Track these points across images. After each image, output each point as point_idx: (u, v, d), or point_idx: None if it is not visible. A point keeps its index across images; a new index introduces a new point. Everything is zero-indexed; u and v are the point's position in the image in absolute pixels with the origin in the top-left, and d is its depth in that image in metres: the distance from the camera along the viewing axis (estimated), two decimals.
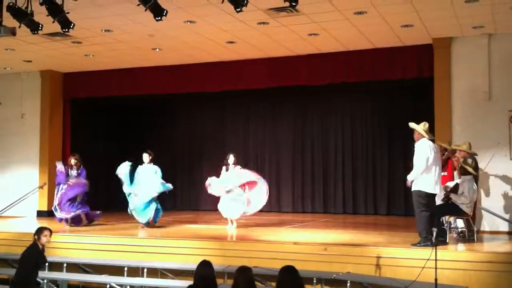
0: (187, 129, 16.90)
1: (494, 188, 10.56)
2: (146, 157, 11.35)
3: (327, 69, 12.44)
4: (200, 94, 14.29)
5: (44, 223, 12.69)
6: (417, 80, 12.20)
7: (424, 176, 8.10)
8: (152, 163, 11.39)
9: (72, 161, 11.86)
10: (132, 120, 16.96)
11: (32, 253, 7.36)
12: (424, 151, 8.12)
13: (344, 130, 15.16)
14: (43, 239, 7.43)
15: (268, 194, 11.26)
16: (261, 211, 15.50)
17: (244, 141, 16.23)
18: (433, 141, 8.48)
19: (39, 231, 7.48)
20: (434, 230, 6.67)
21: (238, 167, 11.14)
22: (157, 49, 12.24)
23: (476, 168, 9.07)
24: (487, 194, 10.58)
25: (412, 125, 8.36)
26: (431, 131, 8.55)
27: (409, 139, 8.61)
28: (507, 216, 10.36)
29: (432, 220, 8.10)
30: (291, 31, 10.76)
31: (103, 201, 14.85)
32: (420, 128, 8.27)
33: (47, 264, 8.39)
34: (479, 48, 10.87)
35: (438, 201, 8.96)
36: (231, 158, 11.10)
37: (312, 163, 15.42)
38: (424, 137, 8.24)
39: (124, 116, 16.78)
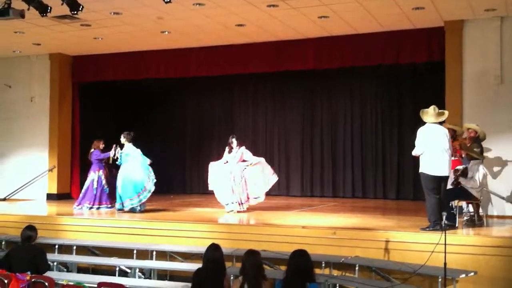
0: (196, 113, 16.90)
1: (505, 172, 10.48)
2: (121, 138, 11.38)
3: (337, 52, 12.34)
4: (209, 77, 14.23)
5: (54, 206, 12.85)
6: (427, 64, 12.08)
7: (426, 158, 8.12)
8: (129, 143, 11.34)
9: (101, 145, 11.91)
10: (141, 104, 16.93)
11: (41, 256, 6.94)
12: (420, 134, 8.18)
13: (353, 114, 15.09)
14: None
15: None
16: (269, 194, 15.64)
17: (253, 125, 16.23)
18: (442, 123, 8.41)
19: (35, 228, 7.08)
20: (444, 214, 6.64)
21: (243, 147, 11.05)
22: (166, 32, 12.18)
23: (481, 152, 9.00)
24: (497, 178, 10.49)
25: (421, 113, 8.38)
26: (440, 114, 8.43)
27: (419, 123, 8.54)
28: None
29: (441, 204, 8.07)
30: (301, 13, 10.66)
31: (113, 184, 14.88)
32: (423, 112, 8.30)
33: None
34: (491, 31, 10.73)
35: (449, 185, 8.94)
36: (234, 142, 10.99)
37: (321, 147, 15.39)
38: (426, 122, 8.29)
39: (133, 100, 16.74)
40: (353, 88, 15.12)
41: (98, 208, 11.60)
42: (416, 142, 8.21)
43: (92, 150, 11.89)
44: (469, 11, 10.40)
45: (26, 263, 6.74)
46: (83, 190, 11.85)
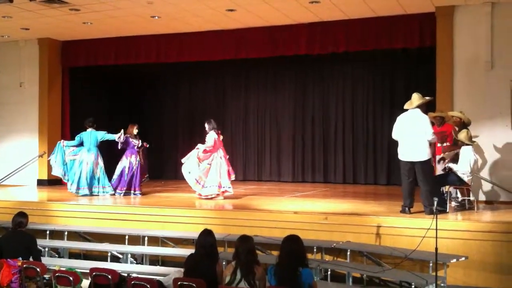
0: (188, 98, 16.86)
1: (495, 158, 10.54)
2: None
3: (329, 38, 12.28)
4: (200, 63, 14.16)
5: (44, 192, 12.79)
6: (419, 49, 12.08)
7: (399, 144, 8.57)
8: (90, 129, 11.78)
9: (135, 130, 11.72)
10: (133, 89, 16.84)
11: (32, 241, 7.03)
12: (396, 122, 8.68)
13: (345, 99, 15.09)
14: None
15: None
16: (260, 180, 15.68)
17: (245, 110, 16.21)
18: (422, 109, 8.53)
19: (26, 215, 7.14)
20: (435, 199, 6.68)
21: (209, 133, 10.76)
22: (156, 17, 12.08)
23: (470, 137, 9.06)
24: (488, 164, 10.56)
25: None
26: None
27: None
28: (506, 186, 10.36)
29: (412, 189, 8.45)
30: None
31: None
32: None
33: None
34: (482, 17, 10.72)
35: (440, 171, 9.01)
36: (206, 126, 10.90)
37: (312, 133, 15.40)
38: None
39: (124, 85, 16.64)
40: (345, 74, 15.10)
41: (128, 194, 11.43)
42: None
43: (127, 135, 11.64)
44: None
45: (17, 249, 6.74)
46: (115, 176, 11.60)
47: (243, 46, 13.00)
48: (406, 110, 8.61)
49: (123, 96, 16.64)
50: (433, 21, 11.13)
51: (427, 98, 8.56)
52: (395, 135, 8.63)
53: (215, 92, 16.53)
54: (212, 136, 10.69)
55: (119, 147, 11.59)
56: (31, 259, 6.74)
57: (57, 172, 11.78)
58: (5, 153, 14.73)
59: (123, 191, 11.45)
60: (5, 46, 14.75)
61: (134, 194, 11.48)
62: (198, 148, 10.78)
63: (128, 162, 11.55)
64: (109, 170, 11.84)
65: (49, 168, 14.06)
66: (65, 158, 11.66)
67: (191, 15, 11.82)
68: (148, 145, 11.88)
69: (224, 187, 10.65)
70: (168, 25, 12.73)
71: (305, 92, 15.47)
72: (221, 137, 10.95)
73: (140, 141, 11.72)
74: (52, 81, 14.53)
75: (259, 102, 16.07)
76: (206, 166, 10.65)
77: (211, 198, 10.56)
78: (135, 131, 11.74)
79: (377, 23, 11.81)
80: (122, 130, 11.49)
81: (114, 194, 11.50)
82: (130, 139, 11.60)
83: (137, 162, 11.56)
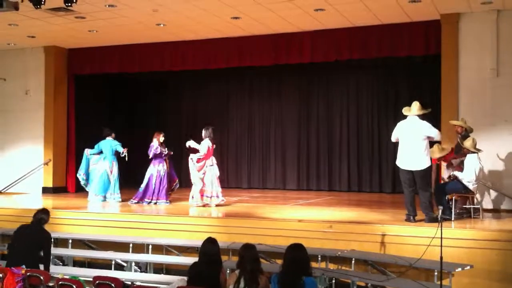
0: (191, 106, 16.87)
1: (499, 166, 10.49)
2: None
3: (333, 45, 12.27)
4: (205, 71, 14.17)
5: (49, 199, 12.80)
6: (424, 57, 12.06)
7: (398, 151, 8.60)
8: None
9: (161, 138, 11.57)
10: (137, 97, 16.88)
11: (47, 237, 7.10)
12: (396, 126, 8.75)
13: (349, 107, 15.08)
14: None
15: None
16: (265, 188, 15.65)
17: (249, 118, 16.21)
18: (421, 116, 8.52)
19: (48, 212, 7.28)
20: (440, 208, 6.65)
21: (204, 140, 10.89)
22: (161, 25, 12.12)
23: (475, 145, 9.03)
24: (492, 171, 10.51)
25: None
26: (426, 107, 8.66)
27: None
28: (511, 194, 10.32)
29: (413, 198, 8.46)
30: (297, 6, 10.62)
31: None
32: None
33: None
34: (488, 24, 10.70)
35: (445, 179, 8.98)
36: (203, 132, 11.00)
37: (317, 140, 15.38)
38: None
39: (129, 93, 16.70)
40: (349, 81, 15.09)
41: (155, 203, 11.30)
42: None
43: (152, 143, 11.54)
44: (465, 4, 10.37)
45: (30, 243, 6.87)
46: (142, 185, 11.49)
47: (247, 53, 13.01)
48: (406, 116, 8.62)
49: (127, 102, 16.70)
50: (438, 28, 11.11)
51: (425, 110, 8.53)
52: (394, 138, 8.73)
53: (219, 100, 16.52)
54: (206, 144, 10.82)
55: (152, 157, 11.48)
56: (40, 266, 6.75)
57: (82, 181, 12.39)
58: (10, 160, 14.75)
59: (151, 200, 11.35)
60: (11, 54, 14.81)
61: (166, 203, 11.33)
62: (192, 159, 10.81)
63: (156, 170, 11.44)
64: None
65: (54, 175, 14.19)
66: (89, 167, 12.22)
67: (195, 23, 11.85)
68: (172, 153, 11.78)
69: (219, 196, 10.85)
70: (173, 33, 12.76)
71: (309, 100, 15.46)
72: (214, 146, 11.01)
73: (166, 148, 11.61)
74: (58, 89, 14.57)
75: (263, 109, 16.07)
76: (201, 175, 10.74)
77: (202, 206, 10.68)
78: (161, 138, 11.57)
79: (382, 31, 11.79)
80: (154, 144, 11.41)
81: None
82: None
83: (164, 170, 11.47)
